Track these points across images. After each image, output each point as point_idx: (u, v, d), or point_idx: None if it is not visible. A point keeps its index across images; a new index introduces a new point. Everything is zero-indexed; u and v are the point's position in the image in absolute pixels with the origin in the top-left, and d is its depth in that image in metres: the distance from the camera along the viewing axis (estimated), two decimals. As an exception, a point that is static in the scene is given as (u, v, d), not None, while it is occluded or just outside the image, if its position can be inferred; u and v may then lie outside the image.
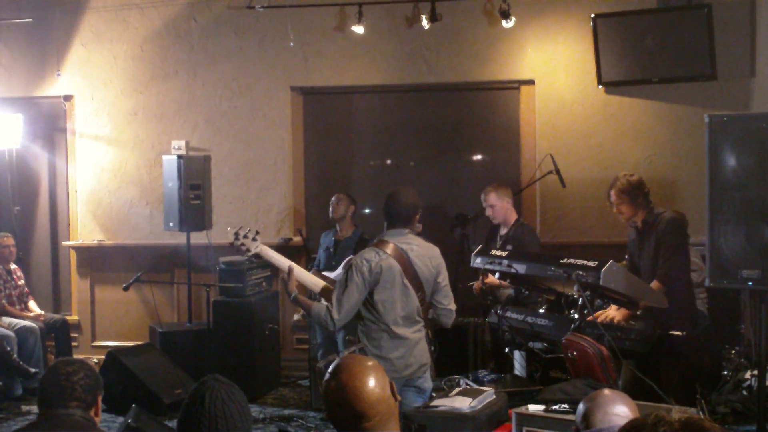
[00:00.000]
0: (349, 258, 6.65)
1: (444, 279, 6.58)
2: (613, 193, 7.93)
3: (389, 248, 6.41)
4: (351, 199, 9.90)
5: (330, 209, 9.93)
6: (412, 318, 6.41)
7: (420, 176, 11.16)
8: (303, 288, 7.04)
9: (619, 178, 7.94)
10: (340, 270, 7.82)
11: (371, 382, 3.52)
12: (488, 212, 9.20)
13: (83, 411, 4.34)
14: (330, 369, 3.64)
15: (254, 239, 6.78)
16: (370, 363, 3.64)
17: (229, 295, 10.00)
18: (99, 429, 4.36)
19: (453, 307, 6.62)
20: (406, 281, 6.35)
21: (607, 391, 4.07)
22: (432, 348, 6.64)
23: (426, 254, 6.52)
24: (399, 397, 3.72)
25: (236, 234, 6.80)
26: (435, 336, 6.76)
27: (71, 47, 11.63)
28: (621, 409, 3.86)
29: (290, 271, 6.59)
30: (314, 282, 6.83)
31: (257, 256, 6.94)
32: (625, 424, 2.98)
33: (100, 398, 4.49)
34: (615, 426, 3.72)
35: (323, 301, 6.47)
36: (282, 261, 6.75)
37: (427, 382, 6.54)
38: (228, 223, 10.77)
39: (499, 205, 9.13)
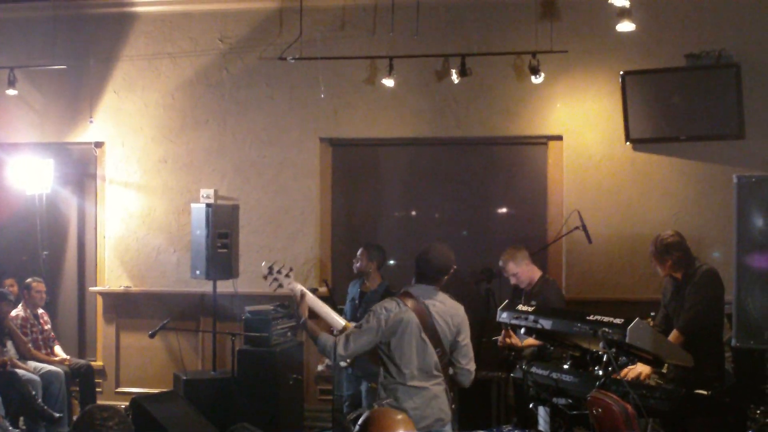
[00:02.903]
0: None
1: (464, 338, 6.55)
2: (650, 249, 7.96)
3: (411, 302, 6.42)
4: (373, 253, 9.80)
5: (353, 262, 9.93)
6: (430, 372, 6.39)
7: (446, 229, 11.18)
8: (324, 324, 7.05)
9: (660, 236, 7.95)
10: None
11: (399, 436, 3.53)
12: (512, 281, 9.14)
13: None
14: (360, 422, 3.65)
15: (287, 276, 6.79)
16: (399, 417, 3.65)
17: (254, 345, 10.02)
18: None
19: (471, 367, 6.58)
20: (424, 335, 6.35)
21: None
22: (451, 404, 6.63)
23: (448, 312, 6.50)
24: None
25: (270, 268, 6.80)
26: (453, 390, 6.73)
27: (104, 94, 11.76)
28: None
29: (302, 296, 6.61)
30: (336, 320, 6.86)
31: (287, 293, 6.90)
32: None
33: None
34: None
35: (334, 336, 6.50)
36: (315, 304, 6.77)
37: None
38: (255, 272, 10.83)
39: (520, 271, 9.07)
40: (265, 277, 6.85)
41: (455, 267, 6.82)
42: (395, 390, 6.34)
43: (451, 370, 6.53)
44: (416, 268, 6.63)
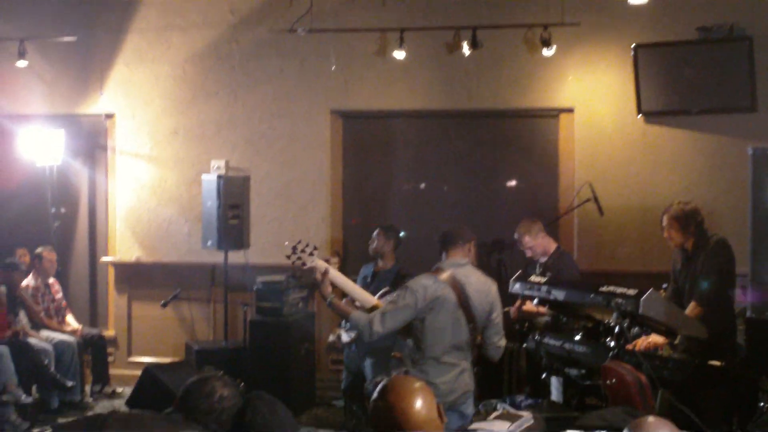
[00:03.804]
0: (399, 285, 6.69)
1: (497, 316, 6.63)
2: (665, 218, 7.93)
3: (446, 276, 6.45)
4: (389, 234, 9.80)
5: (369, 243, 9.90)
6: (461, 348, 6.46)
7: (458, 201, 11.20)
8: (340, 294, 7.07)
9: (674, 204, 7.93)
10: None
11: (419, 404, 3.54)
12: (528, 254, 9.20)
13: None
14: (378, 389, 3.66)
15: (311, 254, 6.78)
16: (417, 384, 3.66)
17: (266, 315, 10.07)
18: None
19: (503, 343, 6.68)
20: (459, 312, 6.40)
21: (651, 419, 4.05)
22: (474, 370, 6.70)
23: (482, 289, 6.57)
24: (446, 419, 3.74)
25: (294, 248, 6.78)
26: (478, 363, 6.80)
27: (114, 66, 11.76)
28: (664, 437, 3.85)
29: (325, 273, 6.61)
30: (363, 296, 6.87)
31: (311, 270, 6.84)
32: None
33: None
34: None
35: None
36: (341, 281, 6.78)
37: (470, 408, 6.59)
38: (266, 243, 10.92)
39: (535, 244, 9.13)
40: (289, 257, 6.84)
41: (475, 238, 6.89)
42: (425, 365, 6.39)
43: (479, 344, 6.61)
44: (441, 244, 6.69)
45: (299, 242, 6.83)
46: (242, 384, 9.18)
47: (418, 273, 6.73)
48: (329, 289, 6.60)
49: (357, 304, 6.93)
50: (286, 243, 6.89)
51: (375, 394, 3.65)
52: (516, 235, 9.17)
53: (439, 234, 6.83)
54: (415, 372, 6.32)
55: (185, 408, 4.34)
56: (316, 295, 10.60)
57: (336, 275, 6.79)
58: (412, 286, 6.40)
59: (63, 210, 11.85)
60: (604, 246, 10.52)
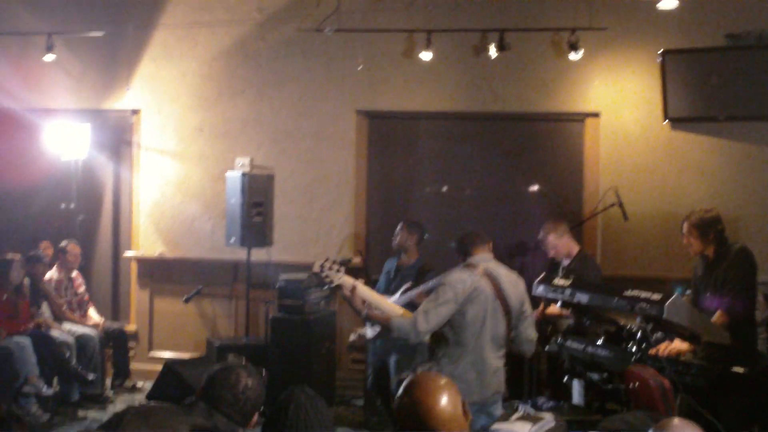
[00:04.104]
0: (437, 278, 6.72)
1: (529, 308, 6.71)
2: (685, 225, 7.89)
3: (480, 270, 6.51)
4: (413, 229, 9.79)
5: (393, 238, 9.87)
6: (498, 342, 6.50)
7: (481, 204, 11.19)
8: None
9: (696, 212, 7.89)
10: (397, 296, 7.87)
11: (444, 400, 3.54)
12: (551, 254, 9.20)
13: (237, 426, 4.31)
14: (403, 385, 3.67)
15: (338, 271, 6.81)
16: (443, 381, 3.66)
17: (288, 312, 10.07)
18: None
19: (535, 337, 6.73)
20: (496, 302, 6.45)
21: (677, 420, 4.07)
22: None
23: (513, 281, 6.67)
24: (471, 416, 3.74)
25: (321, 266, 6.81)
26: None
27: (141, 62, 11.80)
28: (690, 439, 3.86)
29: (353, 289, 6.65)
30: (390, 308, 6.88)
31: (339, 287, 6.86)
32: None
33: (257, 415, 4.45)
34: (684, 455, 3.72)
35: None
36: (368, 295, 6.80)
37: (499, 410, 6.61)
38: (289, 241, 10.96)
39: (560, 244, 9.14)
40: (317, 275, 6.87)
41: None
42: (458, 359, 6.41)
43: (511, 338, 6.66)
44: (462, 246, 6.75)
45: (326, 260, 6.85)
46: (266, 373, 9.20)
47: (440, 268, 6.77)
48: (361, 303, 6.64)
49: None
50: (315, 262, 6.88)
51: (400, 391, 3.65)
52: (541, 234, 9.17)
53: (457, 238, 6.88)
54: (449, 367, 6.35)
55: (209, 397, 4.34)
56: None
57: (363, 290, 6.82)
58: (449, 281, 6.45)
59: (87, 205, 11.88)
60: (628, 251, 10.50)
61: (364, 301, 6.72)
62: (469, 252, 6.76)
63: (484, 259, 6.67)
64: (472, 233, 6.90)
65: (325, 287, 7.18)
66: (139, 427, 4.11)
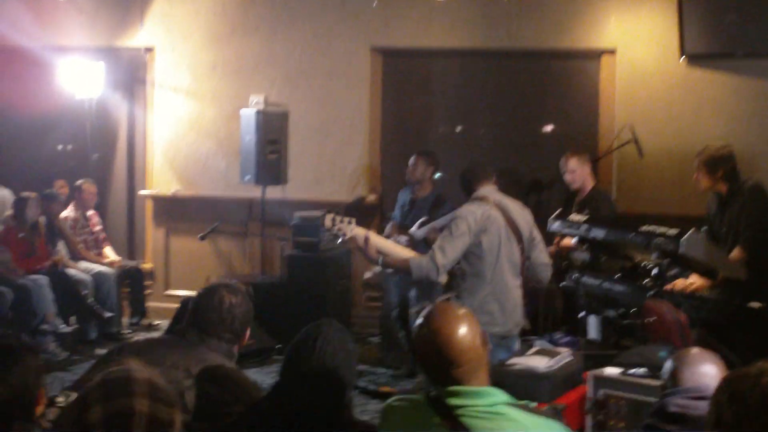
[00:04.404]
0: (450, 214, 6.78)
1: (539, 234, 6.83)
2: (697, 160, 7.87)
3: (490, 201, 6.56)
4: (429, 160, 9.79)
5: (407, 171, 9.87)
6: (516, 271, 6.57)
7: (496, 141, 11.17)
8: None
9: (708, 147, 7.86)
10: (414, 228, 7.88)
11: (463, 330, 3.54)
12: (568, 178, 9.16)
13: (231, 345, 4.33)
14: (422, 315, 3.67)
15: (349, 223, 6.82)
16: (461, 311, 3.65)
17: (303, 250, 10.10)
18: (235, 367, 4.35)
19: (550, 261, 6.80)
20: (509, 232, 6.51)
21: (695, 350, 4.07)
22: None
23: (519, 209, 6.82)
24: (490, 346, 3.74)
25: (333, 219, 6.82)
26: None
27: (154, -1, 11.76)
28: (709, 369, 3.86)
29: (367, 240, 6.66)
30: (406, 252, 6.90)
31: (351, 240, 6.89)
32: (728, 375, 2.98)
33: (248, 331, 4.48)
34: (703, 386, 3.73)
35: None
36: (381, 244, 6.81)
37: (517, 344, 6.69)
38: (304, 179, 10.94)
39: (579, 171, 9.10)
40: (329, 230, 6.88)
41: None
42: (481, 291, 6.44)
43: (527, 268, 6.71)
44: (468, 181, 6.79)
45: (335, 215, 6.84)
46: (250, 289, 9.25)
47: (456, 202, 6.81)
48: (375, 253, 6.66)
49: None
50: (325, 216, 6.86)
51: (419, 321, 3.65)
52: (563, 158, 9.13)
53: (461, 173, 6.93)
54: (470, 301, 6.39)
55: (196, 323, 4.34)
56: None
57: (377, 239, 6.83)
58: (461, 215, 6.51)
59: (102, 143, 11.89)
60: (643, 188, 10.46)
61: (378, 250, 6.73)
62: (473, 188, 6.80)
63: (490, 191, 6.70)
64: (475, 167, 6.95)
65: (339, 241, 7.18)
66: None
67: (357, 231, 6.81)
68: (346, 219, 6.84)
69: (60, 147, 12.29)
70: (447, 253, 6.40)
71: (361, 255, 6.99)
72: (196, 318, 4.36)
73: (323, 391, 3.70)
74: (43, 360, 3.47)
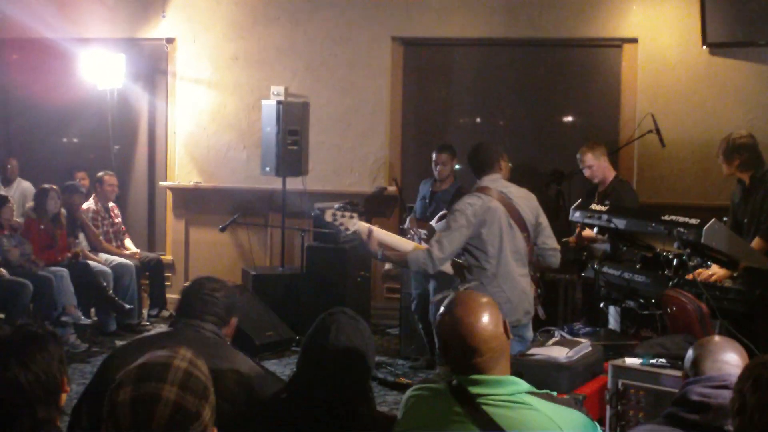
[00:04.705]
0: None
1: (545, 220, 6.72)
2: (720, 147, 7.84)
3: (490, 192, 6.51)
4: (452, 154, 9.76)
5: (437, 168, 9.76)
6: (522, 260, 6.51)
7: (517, 130, 11.16)
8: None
9: (732, 133, 7.82)
10: (434, 222, 7.86)
11: (485, 318, 3.52)
12: (587, 173, 9.11)
13: (217, 327, 4.40)
14: (445, 303, 3.65)
15: (351, 217, 6.77)
16: (484, 299, 3.64)
17: (323, 241, 10.11)
18: (228, 346, 4.42)
19: (558, 246, 6.73)
20: (511, 221, 6.46)
21: (717, 338, 4.04)
22: (539, 291, 6.75)
23: (524, 196, 6.69)
24: (512, 336, 3.73)
25: (334, 215, 6.79)
26: (538, 287, 6.85)
27: (175, -10, 11.77)
28: (732, 357, 3.82)
29: (370, 233, 6.62)
30: (407, 245, 6.86)
31: (354, 234, 6.81)
32: (751, 362, 2.96)
33: (234, 321, 4.54)
34: (725, 374, 3.70)
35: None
36: (385, 237, 6.77)
37: (529, 332, 6.65)
38: (324, 170, 10.95)
39: (596, 165, 9.04)
40: (332, 223, 6.84)
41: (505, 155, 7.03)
42: (488, 284, 6.41)
43: (536, 255, 6.66)
44: (474, 165, 6.75)
45: (337, 209, 6.80)
46: (234, 283, 9.23)
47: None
48: (376, 247, 6.61)
49: None
50: (327, 211, 6.82)
51: (441, 309, 3.64)
52: (579, 154, 9.08)
53: (468, 154, 6.87)
54: (476, 283, 6.37)
55: (182, 311, 4.44)
56: (373, 222, 10.63)
57: (380, 233, 6.79)
58: (459, 208, 6.47)
59: (123, 134, 11.93)
60: (664, 178, 10.42)
61: (380, 243, 6.70)
62: (479, 172, 6.74)
63: (493, 180, 6.65)
64: (482, 152, 6.83)
65: (342, 234, 7.14)
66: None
67: (360, 225, 6.76)
68: (348, 213, 6.78)
69: (81, 139, 12.30)
70: (444, 246, 6.37)
71: (364, 249, 6.93)
72: (181, 306, 4.47)
73: (340, 380, 3.69)
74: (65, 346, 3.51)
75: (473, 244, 6.44)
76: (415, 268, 6.70)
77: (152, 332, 4.61)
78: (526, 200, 6.67)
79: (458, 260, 6.67)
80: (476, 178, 6.76)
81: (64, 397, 3.28)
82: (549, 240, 6.70)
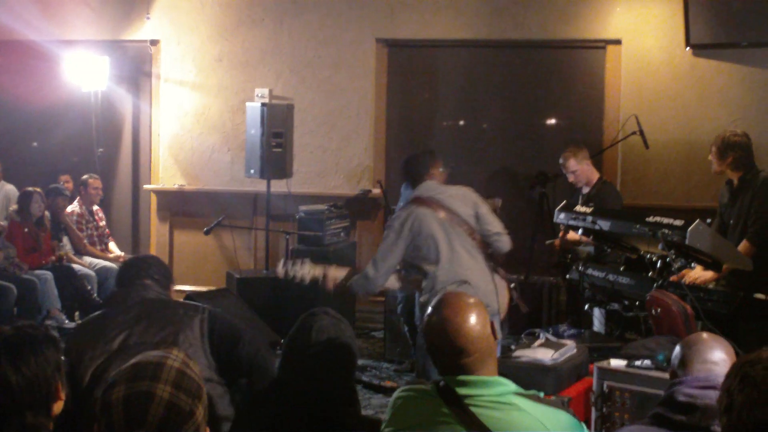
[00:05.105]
0: None
1: (484, 209, 6.65)
2: (712, 143, 7.85)
3: (420, 200, 6.54)
4: (439, 160, 9.71)
5: None
6: (473, 254, 6.47)
7: (501, 132, 11.17)
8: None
9: (726, 131, 7.85)
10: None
11: (473, 319, 3.54)
12: (570, 179, 9.13)
13: (160, 288, 4.51)
14: (432, 304, 3.66)
15: (302, 264, 6.73)
16: (471, 300, 3.65)
17: (308, 244, 10.08)
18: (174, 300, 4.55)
19: (503, 231, 6.66)
20: (445, 222, 6.44)
21: (705, 335, 4.03)
22: (512, 285, 6.76)
23: (458, 193, 6.67)
24: (498, 336, 3.74)
25: (285, 272, 6.73)
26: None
27: (159, -8, 11.75)
28: (719, 357, 3.82)
29: (325, 276, 6.64)
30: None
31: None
32: (738, 359, 2.96)
33: (172, 287, 4.74)
34: (712, 375, 3.69)
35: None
36: (342, 275, 6.76)
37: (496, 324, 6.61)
38: (309, 173, 10.97)
39: (579, 170, 9.06)
40: (284, 277, 6.81)
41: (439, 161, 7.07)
42: (441, 287, 6.36)
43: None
44: (408, 176, 6.80)
45: (285, 262, 6.75)
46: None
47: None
48: (331, 285, 6.63)
49: None
50: (278, 269, 6.76)
51: (429, 310, 3.65)
52: (561, 160, 9.10)
53: (400, 170, 6.93)
54: (466, 285, 6.34)
55: (122, 281, 4.69)
56: (357, 225, 10.66)
57: (333, 272, 6.76)
58: (388, 224, 6.67)
59: (107, 137, 11.89)
60: (648, 180, 10.45)
61: (334, 283, 6.70)
62: (414, 181, 6.76)
63: (426, 188, 6.65)
64: (409, 165, 6.86)
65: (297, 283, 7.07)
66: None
67: (314, 272, 6.74)
68: (298, 261, 6.75)
69: (65, 141, 12.25)
70: (378, 265, 6.41)
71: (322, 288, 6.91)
72: (119, 277, 4.72)
73: (323, 380, 3.69)
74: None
75: (414, 255, 6.46)
76: (361, 292, 6.76)
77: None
78: (460, 197, 6.63)
79: (408, 276, 6.68)
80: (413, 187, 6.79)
81: (58, 405, 3.25)
82: (490, 226, 6.63)
